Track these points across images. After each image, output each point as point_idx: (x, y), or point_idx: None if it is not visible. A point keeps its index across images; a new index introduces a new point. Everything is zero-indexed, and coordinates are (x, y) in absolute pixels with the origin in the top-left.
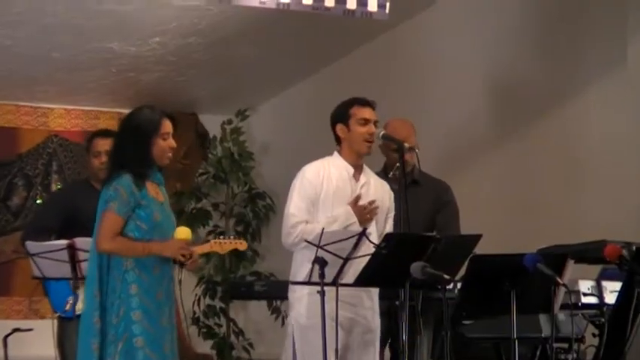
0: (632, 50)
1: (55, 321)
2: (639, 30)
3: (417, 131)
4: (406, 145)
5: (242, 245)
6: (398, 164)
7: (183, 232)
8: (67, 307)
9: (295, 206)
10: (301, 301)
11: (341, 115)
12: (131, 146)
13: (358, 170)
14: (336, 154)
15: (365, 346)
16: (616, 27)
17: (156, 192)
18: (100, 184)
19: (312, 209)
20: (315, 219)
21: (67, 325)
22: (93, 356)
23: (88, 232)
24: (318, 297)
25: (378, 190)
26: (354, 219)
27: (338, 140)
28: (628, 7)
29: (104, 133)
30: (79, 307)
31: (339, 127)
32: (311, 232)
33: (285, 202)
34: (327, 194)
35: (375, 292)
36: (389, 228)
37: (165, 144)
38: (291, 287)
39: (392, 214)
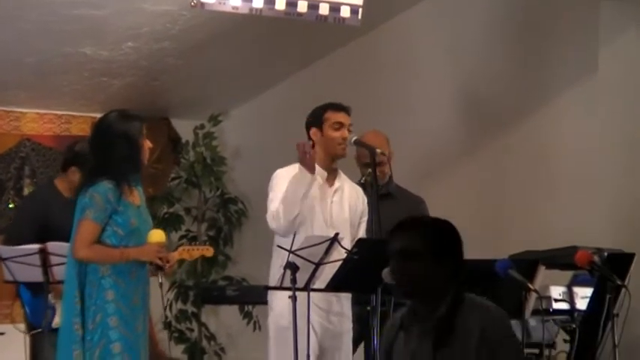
0: (603, 58)
1: (27, 336)
2: (610, 37)
3: (389, 137)
4: (378, 150)
5: (209, 252)
6: (369, 170)
7: (157, 235)
8: (44, 321)
9: (275, 199)
10: (281, 303)
11: (315, 120)
12: (122, 154)
13: (332, 175)
14: None
15: (333, 350)
16: (587, 34)
17: (133, 195)
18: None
19: None
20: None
21: (42, 337)
22: None
23: (62, 238)
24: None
25: (352, 195)
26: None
27: (312, 145)
28: (599, 14)
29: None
30: (57, 320)
31: (313, 131)
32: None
33: (257, 207)
34: None
35: (345, 297)
36: (362, 232)
37: (147, 145)
38: (270, 292)
39: (365, 219)
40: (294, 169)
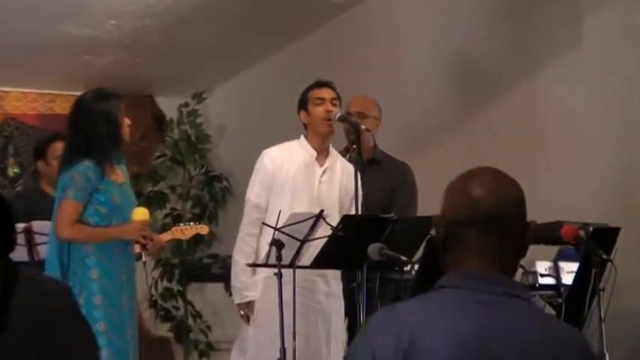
0: (586, 28)
1: None
2: (594, 9)
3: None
4: (362, 127)
5: (204, 230)
6: (354, 146)
7: (140, 213)
8: None
9: (252, 191)
10: (256, 285)
11: (301, 102)
12: (102, 132)
13: (323, 154)
14: (302, 138)
15: (322, 331)
16: (571, 6)
17: (116, 173)
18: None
19: (268, 194)
20: (271, 204)
21: None
22: None
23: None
24: (273, 281)
25: (343, 175)
26: None
27: (305, 127)
28: None
29: (60, 137)
30: None
31: (302, 114)
32: (237, 250)
33: (242, 184)
34: (287, 179)
35: (332, 276)
36: (354, 211)
37: (126, 122)
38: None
39: None
40: (281, 149)
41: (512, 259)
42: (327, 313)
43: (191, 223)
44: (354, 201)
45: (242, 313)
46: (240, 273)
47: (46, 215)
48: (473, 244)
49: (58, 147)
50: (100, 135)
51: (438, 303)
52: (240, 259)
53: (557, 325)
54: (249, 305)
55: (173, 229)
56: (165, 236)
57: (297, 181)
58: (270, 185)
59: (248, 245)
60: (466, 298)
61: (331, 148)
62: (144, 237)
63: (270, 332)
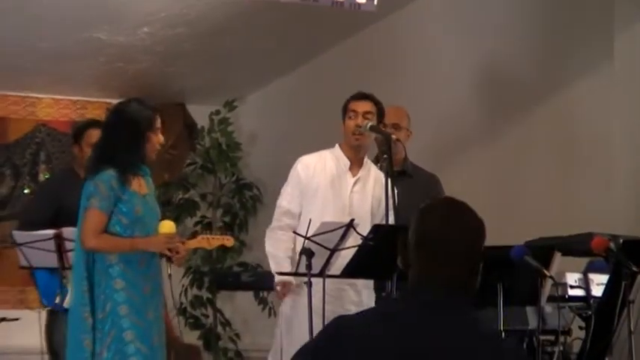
0: (618, 44)
1: (43, 313)
2: (625, 25)
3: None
4: (393, 137)
5: (229, 242)
6: (385, 156)
7: (167, 226)
8: (57, 300)
9: (284, 197)
10: (289, 293)
11: (343, 111)
12: (125, 140)
13: (357, 164)
14: (336, 146)
15: None
16: (603, 21)
17: (139, 184)
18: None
19: (301, 201)
20: (306, 210)
21: (56, 317)
22: (85, 351)
23: (74, 222)
24: (303, 288)
25: (376, 186)
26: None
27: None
28: (615, 1)
29: (98, 124)
30: (67, 301)
31: (343, 122)
32: (269, 244)
33: (272, 193)
34: (319, 186)
35: (363, 285)
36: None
37: (157, 139)
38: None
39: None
40: (317, 157)
41: (461, 278)
42: None
43: (218, 233)
44: (384, 211)
45: (278, 288)
46: (277, 253)
47: (76, 195)
48: (422, 263)
49: (94, 134)
50: (122, 144)
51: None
52: (274, 248)
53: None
54: (285, 284)
55: (200, 237)
56: (191, 244)
57: (328, 189)
58: (302, 192)
59: (282, 239)
60: (403, 307)
61: (366, 159)
62: (169, 250)
63: (298, 340)
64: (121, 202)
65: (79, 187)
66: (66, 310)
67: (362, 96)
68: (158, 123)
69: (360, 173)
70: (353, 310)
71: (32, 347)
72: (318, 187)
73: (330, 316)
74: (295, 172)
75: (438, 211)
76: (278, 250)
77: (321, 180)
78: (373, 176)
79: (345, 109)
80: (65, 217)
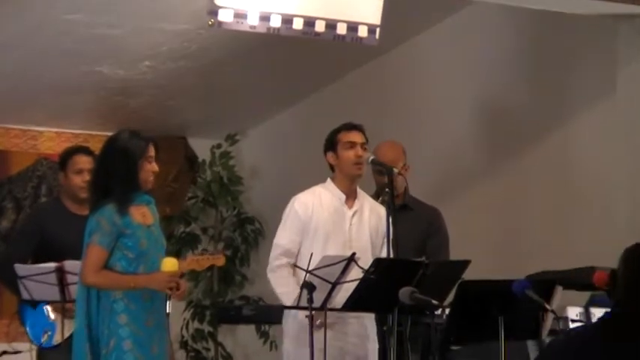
0: (621, 79)
1: (34, 352)
2: (628, 59)
3: (407, 156)
4: (395, 170)
5: (219, 260)
6: (387, 189)
7: (169, 264)
8: (44, 338)
9: (282, 237)
10: (291, 331)
11: (330, 143)
12: (119, 170)
13: (351, 197)
14: (329, 181)
15: None
16: (605, 55)
17: (143, 215)
18: (76, 203)
19: (301, 239)
20: (304, 249)
21: (47, 353)
22: None
23: (62, 255)
24: (307, 325)
25: (372, 216)
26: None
27: (331, 168)
28: (618, 36)
29: (84, 151)
30: (58, 338)
31: (330, 155)
32: (279, 285)
33: (273, 226)
34: (318, 224)
35: (367, 317)
36: (384, 253)
37: (150, 167)
38: (285, 316)
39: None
40: (311, 194)
41: None
42: (362, 355)
43: (206, 253)
44: (385, 242)
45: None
46: (288, 290)
47: (61, 227)
48: None
49: (80, 160)
50: (116, 175)
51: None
52: (283, 286)
53: None
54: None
55: (189, 259)
56: (182, 267)
57: (328, 225)
58: (301, 230)
59: (286, 276)
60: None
61: (359, 190)
62: (170, 289)
63: None
64: (125, 237)
65: (65, 217)
66: (56, 347)
67: (354, 126)
68: (151, 152)
69: (356, 205)
70: (357, 342)
71: None
72: (318, 225)
73: (335, 352)
74: (293, 211)
75: None
76: (288, 287)
77: (320, 217)
78: (368, 207)
79: (336, 141)
80: (54, 251)
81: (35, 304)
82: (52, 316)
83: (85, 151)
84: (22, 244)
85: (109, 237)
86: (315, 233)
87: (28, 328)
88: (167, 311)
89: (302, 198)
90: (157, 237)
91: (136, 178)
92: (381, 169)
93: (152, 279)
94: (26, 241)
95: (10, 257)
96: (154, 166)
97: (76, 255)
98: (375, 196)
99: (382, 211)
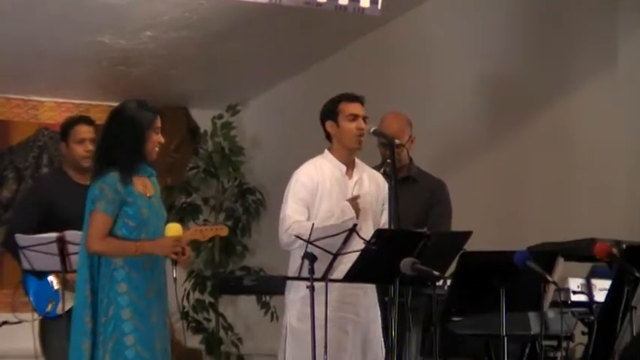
0: (622, 51)
1: (37, 321)
2: (630, 31)
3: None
4: (397, 141)
5: (222, 231)
6: (388, 160)
7: (174, 229)
8: (49, 308)
9: (290, 209)
10: (294, 304)
11: (330, 112)
12: (127, 139)
13: (350, 167)
14: (326, 152)
15: (365, 343)
16: (607, 27)
17: (144, 186)
18: (79, 173)
19: (308, 212)
20: (311, 220)
21: (50, 323)
22: (83, 355)
23: (67, 225)
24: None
25: (371, 184)
26: (351, 214)
27: (329, 137)
28: (619, 7)
29: (86, 120)
30: (60, 307)
31: (329, 124)
32: (302, 227)
33: (275, 197)
34: (322, 195)
35: (370, 287)
36: (385, 219)
37: (157, 138)
38: (287, 289)
39: (387, 206)
40: (313, 166)
41: None
42: (365, 323)
43: (211, 223)
44: (385, 209)
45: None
46: (307, 225)
47: (66, 196)
48: None
49: (81, 130)
50: (123, 144)
51: None
52: (302, 228)
53: None
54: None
55: (193, 229)
56: (186, 236)
57: (332, 196)
58: (308, 202)
59: (302, 225)
60: None
61: (357, 159)
62: (175, 253)
63: (307, 351)
64: (127, 205)
65: (68, 187)
66: (59, 317)
67: (356, 98)
68: (158, 123)
69: (356, 175)
70: (363, 314)
71: (37, 350)
72: (322, 196)
73: (342, 323)
74: (300, 184)
75: None
76: (306, 226)
77: (324, 188)
78: (367, 176)
79: (337, 111)
80: (59, 221)
81: (41, 275)
82: (56, 286)
83: (87, 120)
84: (28, 215)
85: (112, 204)
86: (320, 204)
87: (32, 298)
88: (174, 276)
89: (305, 170)
90: (158, 208)
91: (142, 149)
92: (383, 140)
93: (157, 245)
94: (31, 212)
95: (16, 228)
96: (160, 138)
97: (81, 224)
98: (378, 168)
99: (380, 178)
